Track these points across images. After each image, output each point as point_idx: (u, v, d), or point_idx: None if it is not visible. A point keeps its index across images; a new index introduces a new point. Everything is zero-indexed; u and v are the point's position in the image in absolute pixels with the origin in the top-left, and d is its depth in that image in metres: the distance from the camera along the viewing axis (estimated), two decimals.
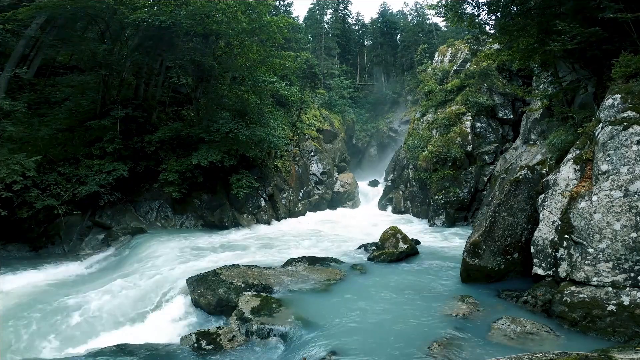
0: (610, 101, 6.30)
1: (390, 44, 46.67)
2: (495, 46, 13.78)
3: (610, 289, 5.36)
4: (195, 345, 5.48)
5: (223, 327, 5.86)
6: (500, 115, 17.82)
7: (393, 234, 10.29)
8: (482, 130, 17.56)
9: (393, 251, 9.68)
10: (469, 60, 21.56)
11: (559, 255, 6.09)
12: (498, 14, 10.96)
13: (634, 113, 5.84)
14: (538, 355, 3.53)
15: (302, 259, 9.18)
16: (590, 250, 5.68)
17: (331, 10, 44.08)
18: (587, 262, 5.68)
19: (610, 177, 5.74)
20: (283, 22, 16.25)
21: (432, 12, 13.03)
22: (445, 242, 12.28)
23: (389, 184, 23.29)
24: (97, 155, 12.80)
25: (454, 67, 22.52)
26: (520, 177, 7.67)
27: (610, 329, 5.07)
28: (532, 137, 13.83)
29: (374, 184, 27.77)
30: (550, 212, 6.45)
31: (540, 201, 6.77)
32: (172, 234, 12.76)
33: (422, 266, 9.01)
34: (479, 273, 7.24)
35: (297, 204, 19.61)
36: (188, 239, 11.94)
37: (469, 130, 17.28)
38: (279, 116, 19.28)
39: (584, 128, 7.18)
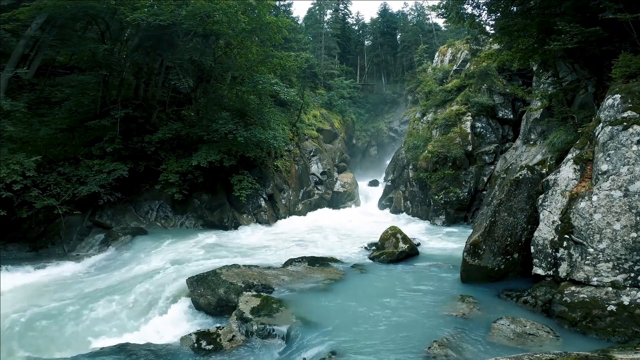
0: (610, 101, 6.30)
1: (390, 44, 46.69)
2: (495, 46, 13.77)
3: (610, 289, 5.36)
4: (195, 345, 5.48)
5: (223, 327, 5.86)
6: (500, 115, 17.82)
7: (393, 234, 10.30)
8: (482, 130, 17.56)
9: (393, 251, 9.68)
10: (469, 60, 21.56)
11: (559, 255, 6.09)
12: (498, 14, 10.97)
13: (634, 113, 5.84)
14: (538, 355, 3.53)
15: (302, 259, 9.18)
16: (590, 250, 5.68)
17: (331, 10, 44.11)
18: (587, 262, 5.68)
19: (610, 177, 5.74)
20: (283, 23, 16.25)
21: (433, 13, 13.10)
22: (445, 242, 12.27)
23: (389, 184, 23.29)
24: (97, 155, 12.80)
25: (454, 67, 22.53)
26: (520, 177, 7.67)
27: (610, 329, 5.07)
28: (532, 137, 13.82)
29: (374, 184, 27.78)
30: (550, 212, 6.45)
31: (540, 201, 6.78)
32: (172, 234, 12.75)
33: (422, 266, 9.01)
34: (479, 273, 7.24)
35: (297, 204, 19.61)
36: (188, 239, 11.93)
37: (469, 130, 17.28)
38: (279, 116, 19.29)
39: (584, 128, 7.19)
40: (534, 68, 13.80)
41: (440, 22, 41.93)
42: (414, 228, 15.35)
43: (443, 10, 12.34)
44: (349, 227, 16.20)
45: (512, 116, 17.70)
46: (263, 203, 16.44)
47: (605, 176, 5.82)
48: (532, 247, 6.55)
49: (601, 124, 6.31)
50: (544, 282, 6.29)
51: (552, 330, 5.27)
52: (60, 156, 12.22)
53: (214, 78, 16.68)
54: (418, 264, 9.19)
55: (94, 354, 5.40)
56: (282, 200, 18.31)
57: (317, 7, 42.60)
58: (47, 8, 11.48)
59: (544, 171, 7.90)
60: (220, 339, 5.56)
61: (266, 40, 16.62)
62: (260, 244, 12.13)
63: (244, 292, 6.86)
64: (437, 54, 26.87)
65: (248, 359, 5.23)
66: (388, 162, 27.40)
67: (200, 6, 13.11)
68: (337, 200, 23.32)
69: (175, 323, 6.70)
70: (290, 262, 9.02)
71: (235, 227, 14.53)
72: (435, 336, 5.10)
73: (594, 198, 5.82)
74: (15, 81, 12.95)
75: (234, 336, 5.65)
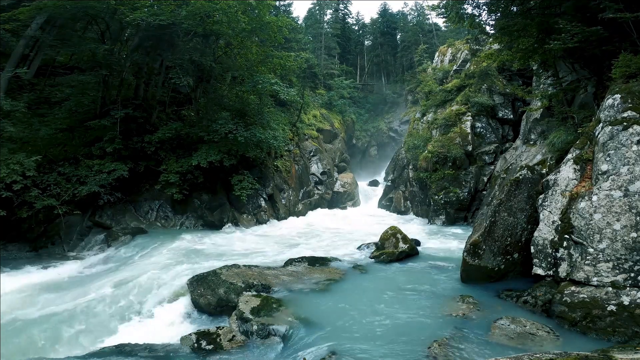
0: (610, 101, 6.30)
1: (390, 44, 46.72)
2: (495, 46, 13.78)
3: (610, 289, 5.36)
4: (195, 345, 5.48)
5: (223, 327, 5.86)
6: (500, 115, 17.82)
7: (393, 234, 10.29)
8: (482, 130, 17.56)
9: (393, 251, 9.68)
10: (469, 60, 21.56)
11: (559, 255, 6.09)
12: (498, 14, 10.97)
13: (634, 113, 5.84)
14: (538, 355, 3.53)
15: (302, 259, 9.17)
16: (590, 250, 5.68)
17: (331, 10, 44.15)
18: (587, 262, 5.68)
19: (610, 177, 5.74)
20: (283, 23, 16.26)
21: (433, 13, 13.18)
22: (445, 242, 12.27)
23: (389, 184, 23.31)
24: (97, 155, 12.80)
25: (454, 67, 22.53)
26: (520, 177, 7.67)
27: (610, 329, 5.07)
28: (532, 137, 13.82)
29: (374, 184, 27.80)
30: (550, 212, 6.45)
31: (540, 201, 6.77)
32: (172, 234, 12.75)
33: (422, 266, 9.01)
34: (479, 273, 7.24)
35: (297, 204, 19.61)
36: (188, 239, 11.92)
37: (469, 130, 17.28)
38: (279, 116, 19.29)
39: (584, 128, 7.19)
40: (534, 68, 13.80)
41: (440, 22, 41.99)
42: (414, 228, 15.35)
43: (443, 10, 12.37)
44: (348, 227, 16.19)
45: (512, 116, 17.71)
46: (263, 203, 16.44)
47: (605, 176, 5.82)
48: (532, 247, 6.55)
49: (601, 124, 6.31)
50: (544, 282, 6.28)
51: (552, 330, 5.27)
52: (60, 156, 12.22)
53: (214, 78, 16.68)
54: (418, 264, 9.19)
55: (93, 353, 5.40)
56: (282, 200, 18.31)
57: (317, 7, 42.63)
58: (47, 8, 11.49)
59: (544, 171, 7.90)
60: (220, 339, 5.56)
61: (266, 40, 16.62)
62: (261, 244, 12.12)
63: (244, 292, 6.86)
64: (437, 54, 26.88)
65: (248, 359, 5.23)
66: (388, 162, 27.43)
67: (200, 6, 13.11)
68: (337, 200, 23.33)
69: (175, 323, 6.70)
70: (290, 262, 9.02)
71: (236, 227, 14.52)
72: (436, 336, 5.10)
73: (594, 198, 5.82)
74: (15, 81, 12.94)
75: (233, 336, 5.64)
